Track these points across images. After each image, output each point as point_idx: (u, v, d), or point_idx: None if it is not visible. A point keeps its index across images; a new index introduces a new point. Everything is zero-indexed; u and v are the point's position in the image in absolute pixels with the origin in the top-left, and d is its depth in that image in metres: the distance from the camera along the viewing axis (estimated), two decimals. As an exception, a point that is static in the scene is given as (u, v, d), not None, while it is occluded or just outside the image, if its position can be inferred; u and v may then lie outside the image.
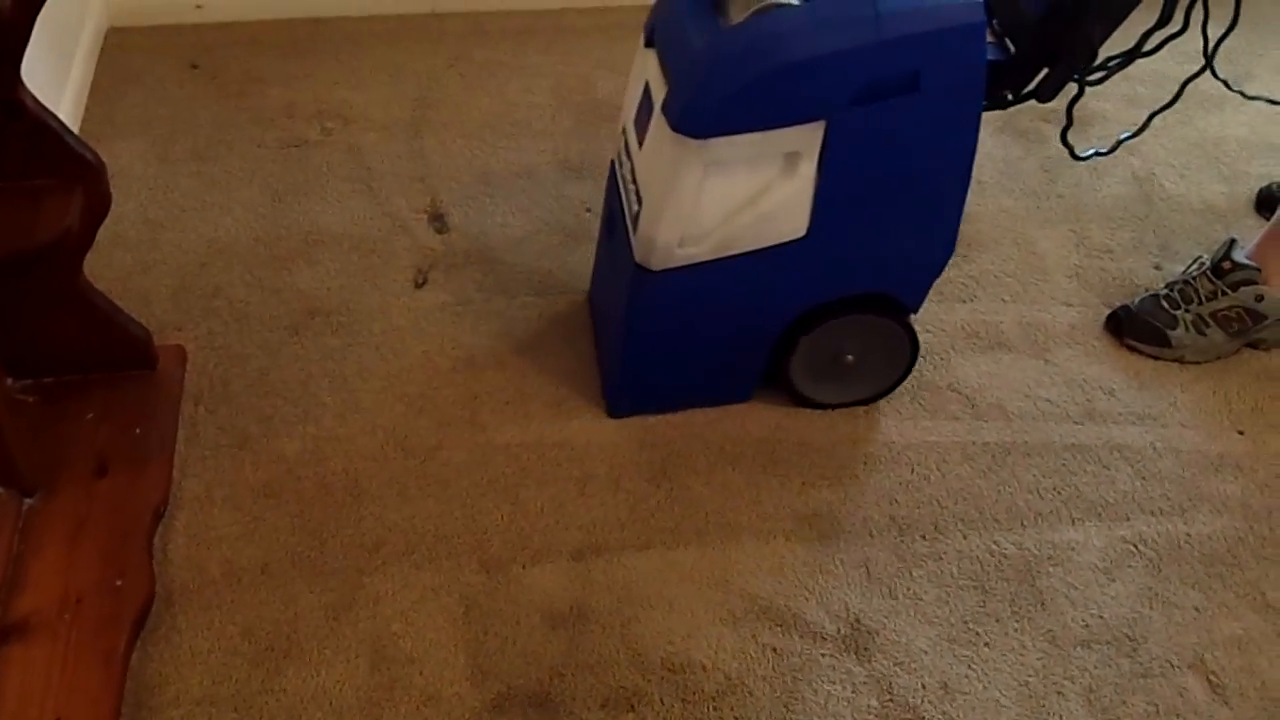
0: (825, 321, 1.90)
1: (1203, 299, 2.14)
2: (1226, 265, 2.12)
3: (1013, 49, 1.75)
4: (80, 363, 1.93)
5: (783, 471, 1.95)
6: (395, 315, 2.16)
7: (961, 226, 2.33)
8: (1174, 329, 2.15)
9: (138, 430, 1.88)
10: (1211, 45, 1.89)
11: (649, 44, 1.78)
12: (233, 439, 1.95)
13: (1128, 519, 1.92)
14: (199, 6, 2.81)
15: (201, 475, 1.89)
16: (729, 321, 1.89)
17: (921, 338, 2.12)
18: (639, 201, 1.76)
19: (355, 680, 1.67)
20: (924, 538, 1.88)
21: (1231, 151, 2.63)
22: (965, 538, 1.88)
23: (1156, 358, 2.18)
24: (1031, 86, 1.78)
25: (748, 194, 1.69)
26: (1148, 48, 1.79)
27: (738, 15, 1.61)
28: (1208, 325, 2.14)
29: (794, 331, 1.92)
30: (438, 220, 2.35)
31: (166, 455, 1.88)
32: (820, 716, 1.67)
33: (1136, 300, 2.22)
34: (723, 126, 1.59)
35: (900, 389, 2.07)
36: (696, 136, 1.59)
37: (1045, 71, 1.75)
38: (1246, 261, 2.11)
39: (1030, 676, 1.73)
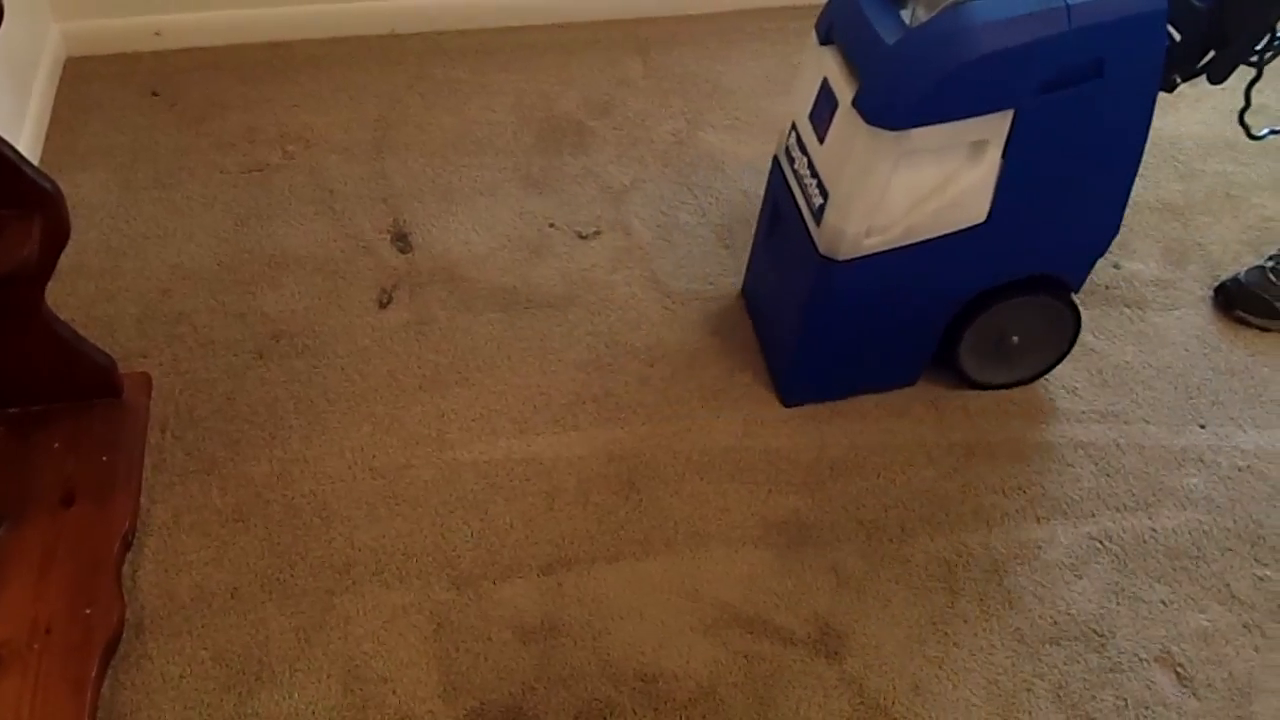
0: (998, 303, 1.96)
1: None
2: None
3: (1177, 35, 1.79)
4: (45, 392, 1.92)
5: (750, 479, 1.96)
6: (360, 336, 2.16)
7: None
8: None
9: (104, 458, 1.88)
10: None
11: (825, 42, 1.84)
12: (200, 464, 1.95)
13: (1093, 516, 1.94)
14: (157, 34, 2.80)
15: (169, 501, 1.89)
16: (906, 307, 1.95)
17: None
18: (823, 195, 1.80)
19: (328, 701, 1.67)
20: (891, 540, 1.89)
21: (1188, 149, 2.65)
22: (932, 539, 1.89)
23: (1265, 329, 2.24)
24: (1199, 68, 1.83)
25: (934, 183, 1.77)
26: None
27: (926, 11, 1.68)
28: None
29: (966, 315, 1.98)
30: (401, 240, 2.36)
31: (134, 482, 1.87)
32: (792, 721, 1.68)
33: (1244, 272, 2.27)
34: (919, 118, 1.66)
35: (863, 394, 2.08)
36: (893, 129, 1.66)
37: (1213, 54, 1.80)
38: None
39: (1000, 675, 1.74)
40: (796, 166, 1.93)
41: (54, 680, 1.61)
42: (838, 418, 2.06)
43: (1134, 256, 2.38)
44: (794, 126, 1.94)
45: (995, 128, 1.71)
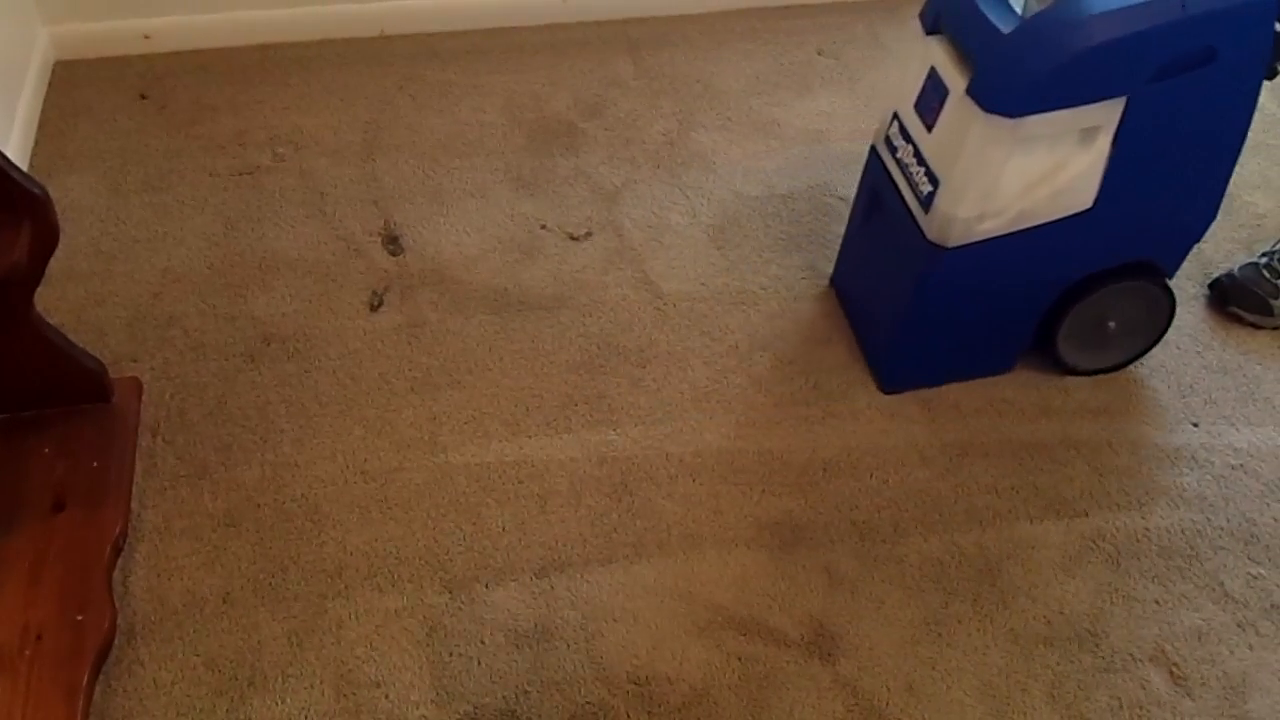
0: (1098, 289, 2.00)
1: None
2: None
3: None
4: (35, 397, 1.92)
5: (743, 481, 1.96)
6: (351, 339, 2.15)
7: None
8: (1276, 298, 2.22)
9: (95, 463, 1.87)
10: None
11: (932, 31, 1.86)
12: (191, 469, 1.94)
13: (1086, 514, 1.94)
14: (146, 37, 2.80)
15: (160, 506, 1.89)
16: (1009, 293, 1.99)
17: (876, 342, 2.14)
18: (932, 182, 1.84)
19: (320, 706, 1.67)
20: (885, 541, 1.89)
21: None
22: (925, 539, 1.89)
23: (1258, 326, 2.25)
24: None
25: (1045, 169, 1.80)
26: None
27: (1040, 1, 1.70)
28: None
29: (1067, 300, 2.01)
30: (391, 242, 2.35)
31: (124, 487, 1.87)
32: (786, 723, 1.68)
33: (1238, 268, 2.28)
34: (1034, 105, 1.70)
35: (855, 394, 2.08)
36: (1009, 116, 1.70)
37: None
38: None
39: (993, 675, 1.74)
40: (900, 155, 1.95)
41: (46, 687, 1.60)
42: (830, 419, 2.05)
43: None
44: (896, 116, 1.97)
45: (1108, 115, 1.75)
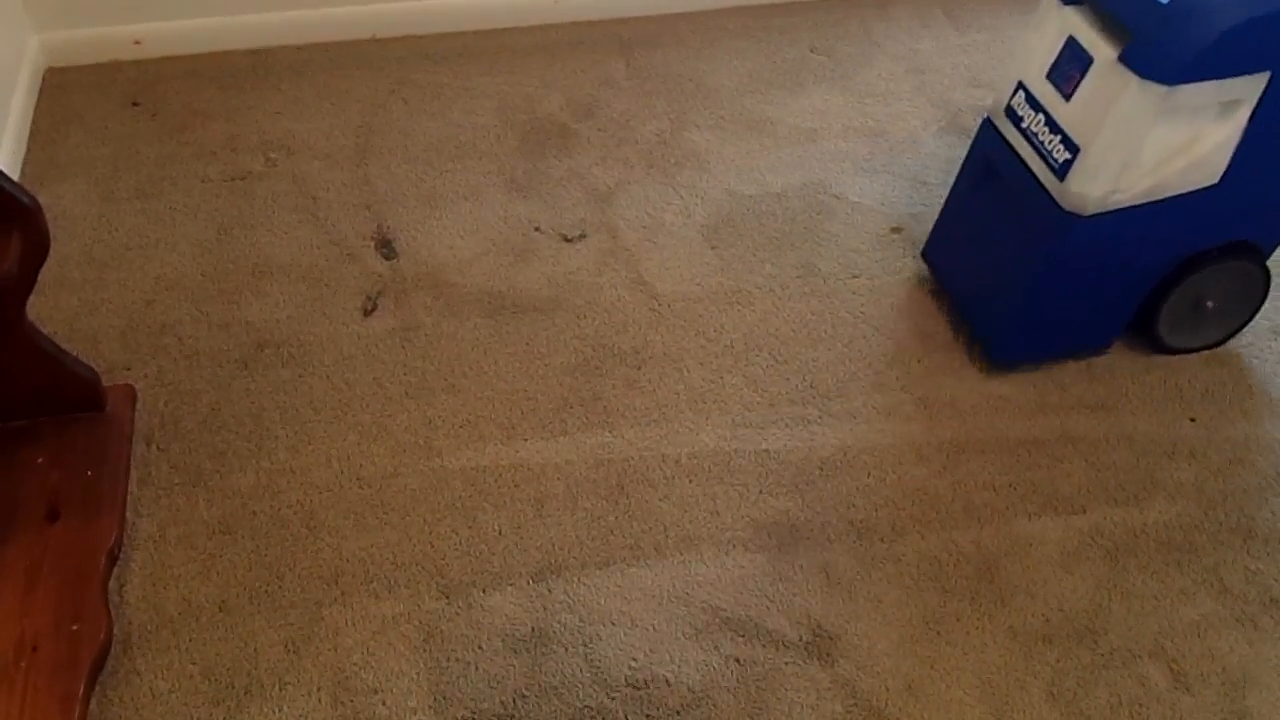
0: (1206, 267, 2.04)
1: None
2: None
3: None
4: (28, 407, 1.91)
5: (739, 481, 1.96)
6: (345, 344, 2.15)
7: (909, 227, 2.36)
8: None
9: (89, 472, 1.87)
10: None
11: (1070, 2, 1.90)
12: (186, 477, 1.94)
13: (1084, 511, 1.93)
14: (137, 42, 2.79)
15: (155, 515, 1.88)
16: (1130, 266, 2.03)
17: (874, 339, 2.14)
18: (1070, 150, 1.87)
19: (318, 714, 1.66)
20: (882, 540, 1.88)
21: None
22: (923, 537, 1.89)
23: None
24: None
25: (1184, 141, 1.84)
26: None
27: None
28: None
29: (1175, 277, 2.05)
30: (385, 246, 2.35)
31: (119, 496, 1.87)
32: (785, 725, 1.67)
33: None
34: (1192, 75, 1.74)
35: (852, 391, 2.08)
36: (1169, 84, 1.74)
37: None
38: None
39: (993, 673, 1.73)
40: (1028, 125, 1.98)
41: (42, 697, 1.60)
42: (826, 418, 2.05)
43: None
44: (1021, 85, 2.00)
45: (1251, 89, 1.80)
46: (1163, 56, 1.74)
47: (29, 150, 2.56)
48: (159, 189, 2.47)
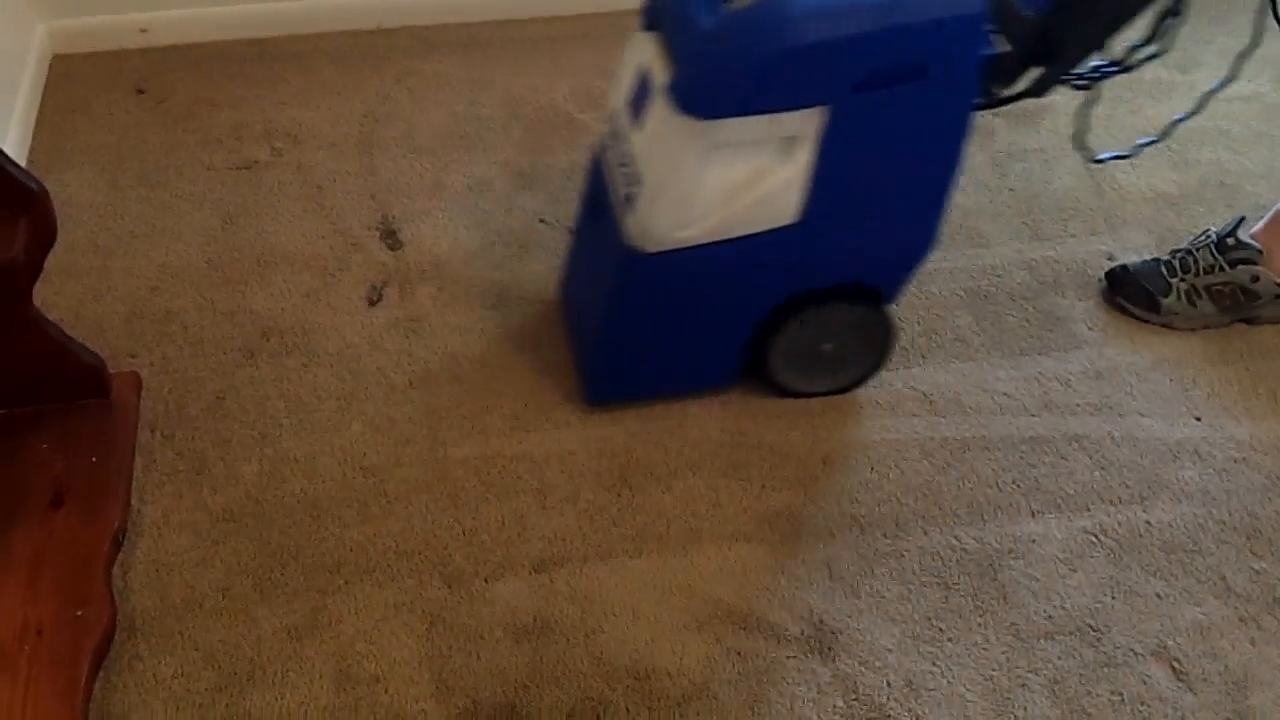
0: (808, 309, 1.91)
1: (1200, 271, 2.18)
2: (1231, 242, 2.16)
3: (1006, 46, 1.75)
4: (33, 393, 1.91)
5: (743, 475, 1.96)
6: (350, 333, 2.15)
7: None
8: (1166, 296, 2.20)
9: (94, 459, 1.87)
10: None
11: (648, 27, 1.78)
12: (190, 464, 1.94)
13: (1087, 509, 1.93)
14: (143, 30, 2.79)
15: (160, 501, 1.88)
16: (714, 306, 1.89)
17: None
18: (637, 184, 1.76)
19: (320, 701, 1.66)
20: (885, 536, 1.88)
21: (1181, 139, 2.64)
22: (926, 534, 1.89)
23: (1145, 320, 2.23)
24: (1022, 84, 1.79)
25: (745, 178, 1.70)
26: (1131, 62, 1.83)
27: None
28: (1199, 297, 2.18)
29: (777, 318, 1.92)
30: (390, 236, 2.34)
31: (124, 483, 1.86)
32: (786, 718, 1.67)
33: (1139, 262, 2.26)
34: (730, 108, 1.60)
35: (857, 387, 2.08)
36: (704, 118, 1.60)
37: (1040, 69, 1.77)
38: (1250, 241, 2.15)
39: (994, 670, 1.73)
40: (611, 155, 1.88)
41: (45, 683, 1.60)
42: (831, 411, 2.05)
43: (1127, 248, 2.37)
44: (613, 115, 1.88)
45: (808, 124, 1.64)
46: (698, 90, 1.60)
47: (35, 138, 2.55)
48: (164, 177, 2.47)
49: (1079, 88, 1.85)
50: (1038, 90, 1.78)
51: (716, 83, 1.59)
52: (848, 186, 1.74)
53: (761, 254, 1.78)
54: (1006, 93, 1.81)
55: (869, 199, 1.77)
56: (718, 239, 1.76)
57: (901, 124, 1.68)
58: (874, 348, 2.03)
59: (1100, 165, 2.34)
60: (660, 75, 1.69)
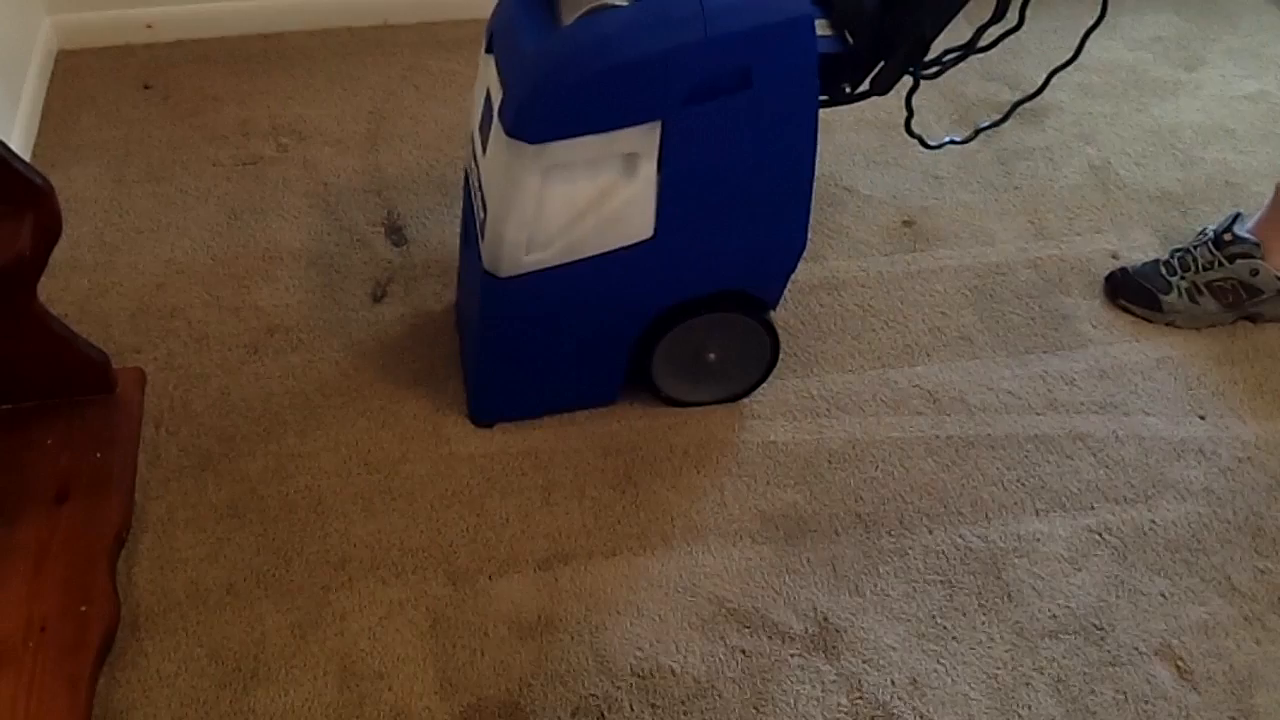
0: (682, 321, 1.89)
1: (1200, 268, 2.18)
2: (1227, 237, 2.16)
3: (851, 41, 1.75)
4: (38, 388, 1.91)
5: (748, 473, 1.95)
6: (355, 330, 2.15)
7: (920, 221, 2.35)
8: (1167, 294, 2.20)
9: (98, 455, 1.87)
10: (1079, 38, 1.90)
11: (489, 50, 1.76)
12: (195, 460, 1.94)
13: (1092, 508, 1.93)
14: (149, 26, 2.79)
15: (164, 497, 1.89)
16: (584, 325, 1.88)
17: (884, 333, 2.13)
18: (485, 209, 1.75)
19: (324, 698, 1.66)
20: (890, 534, 1.88)
21: (1187, 138, 2.64)
22: (930, 532, 1.89)
23: (1148, 320, 2.23)
24: (868, 81, 1.79)
25: (591, 197, 1.69)
26: (984, 43, 1.81)
27: (568, 18, 1.60)
28: (1201, 294, 2.18)
29: (652, 332, 1.91)
30: (395, 233, 2.34)
31: (128, 479, 1.87)
32: (790, 717, 1.67)
33: (1138, 263, 2.26)
34: (555, 131, 1.58)
35: (861, 386, 2.08)
36: (530, 141, 1.58)
37: (881, 65, 1.76)
38: (1247, 235, 2.15)
39: (999, 669, 1.73)
40: (471, 180, 1.88)
41: (49, 678, 1.60)
42: (835, 410, 2.05)
43: (1133, 246, 2.37)
44: (471, 138, 1.87)
45: (644, 141, 1.62)
46: (519, 114, 1.58)
47: (41, 133, 2.56)
48: (170, 173, 2.47)
49: (929, 77, 1.85)
50: (881, 86, 1.78)
51: (539, 105, 1.57)
52: (698, 198, 1.72)
53: (623, 271, 1.77)
54: (858, 90, 1.81)
55: (724, 208, 1.76)
56: (573, 259, 1.75)
57: (741, 132, 1.66)
58: (759, 355, 2.01)
59: (938, 150, 2.33)
60: (496, 99, 1.67)
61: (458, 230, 2.34)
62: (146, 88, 2.70)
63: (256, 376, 2.07)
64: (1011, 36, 1.83)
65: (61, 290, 2.18)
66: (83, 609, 1.67)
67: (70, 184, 2.41)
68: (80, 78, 2.71)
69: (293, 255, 2.29)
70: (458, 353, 2.11)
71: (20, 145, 2.42)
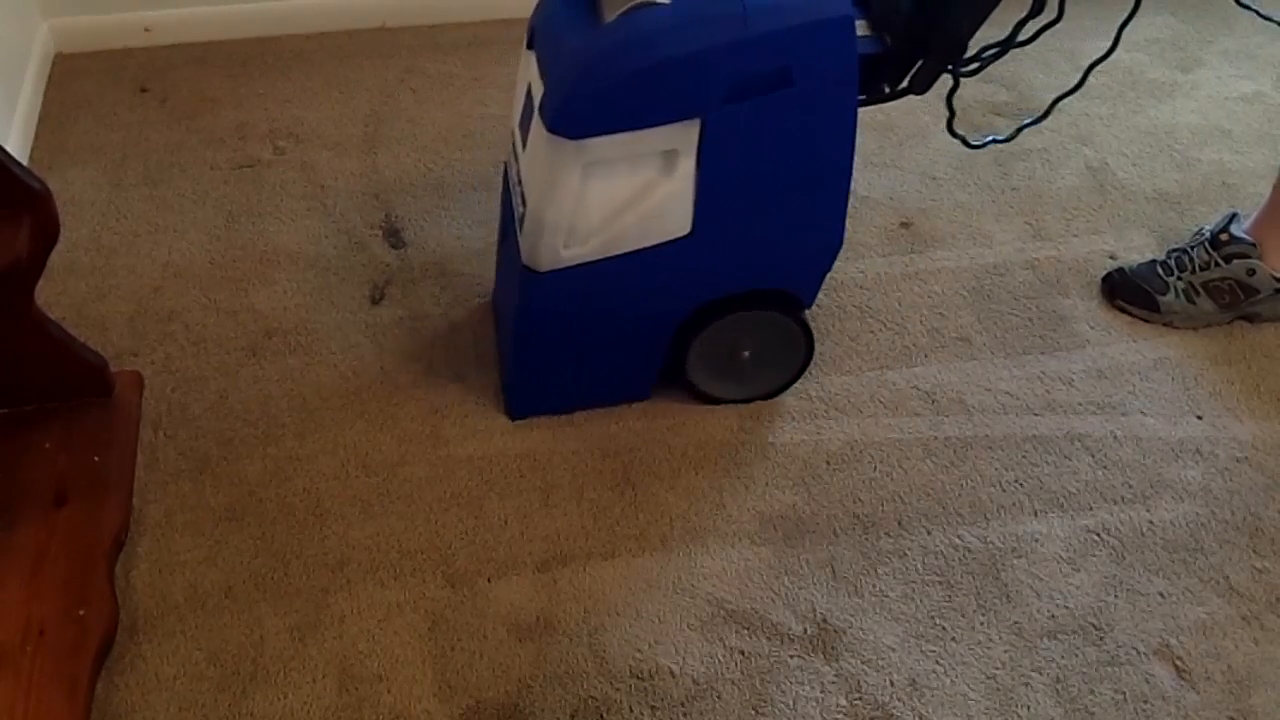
0: (718, 318, 1.90)
1: (1196, 268, 2.18)
2: (1224, 237, 2.16)
3: (889, 42, 1.75)
4: (36, 392, 1.91)
5: (746, 474, 1.95)
6: (353, 332, 2.15)
7: (918, 222, 2.35)
8: (1164, 294, 2.20)
9: (96, 458, 1.87)
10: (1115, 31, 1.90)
11: (531, 45, 1.77)
12: (193, 463, 1.94)
13: (1090, 508, 1.93)
14: (147, 29, 2.79)
15: (162, 501, 1.88)
16: (620, 321, 1.89)
17: (883, 335, 2.13)
18: (524, 203, 1.76)
19: (323, 701, 1.66)
20: (888, 535, 1.88)
21: (1184, 139, 2.64)
22: (929, 533, 1.89)
23: (1146, 320, 2.23)
24: (908, 80, 1.79)
25: (630, 194, 1.70)
26: (1023, 37, 1.81)
27: (609, 15, 1.61)
28: (1198, 294, 2.18)
29: (689, 329, 1.92)
30: (393, 235, 2.34)
31: (126, 482, 1.86)
32: (789, 718, 1.67)
33: (1135, 264, 2.26)
34: (596, 127, 1.60)
35: (859, 387, 2.08)
36: (571, 137, 1.60)
37: (919, 64, 1.76)
38: (1244, 235, 2.15)
39: (997, 669, 1.73)
40: (510, 173, 1.89)
41: (47, 681, 1.60)
42: (833, 411, 2.05)
43: (1130, 247, 2.37)
44: (512, 134, 1.89)
45: (684, 137, 1.64)
46: (560, 110, 1.59)
47: (38, 136, 2.56)
48: (168, 176, 2.47)
49: (969, 74, 1.85)
50: (920, 85, 1.78)
51: (580, 102, 1.59)
52: (737, 195, 1.73)
53: (660, 267, 1.78)
54: (897, 89, 1.81)
55: (762, 206, 1.77)
56: (611, 255, 1.76)
57: (780, 130, 1.67)
58: (794, 353, 2.02)
59: (980, 149, 2.34)
60: (537, 95, 1.68)
61: (455, 232, 2.34)
62: (144, 91, 2.70)
63: (254, 379, 2.07)
64: (1049, 30, 1.82)
65: (59, 293, 2.18)
66: (81, 612, 1.67)
67: (68, 187, 2.41)
68: (77, 81, 2.71)
69: (290, 258, 2.29)
70: (456, 354, 2.11)
71: (17, 149, 2.42)
